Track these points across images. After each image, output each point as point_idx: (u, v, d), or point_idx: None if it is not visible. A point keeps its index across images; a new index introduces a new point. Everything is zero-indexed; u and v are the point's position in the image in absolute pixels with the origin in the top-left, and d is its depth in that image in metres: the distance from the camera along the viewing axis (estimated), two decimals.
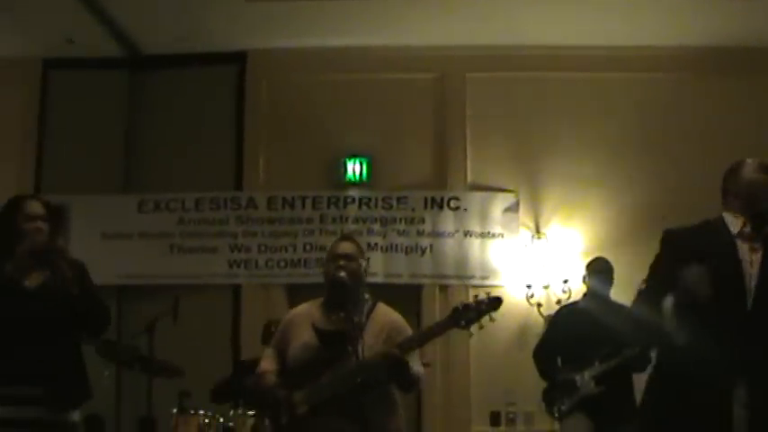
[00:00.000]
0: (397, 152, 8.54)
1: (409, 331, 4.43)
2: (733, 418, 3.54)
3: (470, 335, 4.79)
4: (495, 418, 8.02)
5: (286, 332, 4.56)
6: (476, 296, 4.38)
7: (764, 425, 3.58)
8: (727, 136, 7.97)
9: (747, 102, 8.33)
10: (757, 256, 3.70)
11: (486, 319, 4.29)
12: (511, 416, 7.99)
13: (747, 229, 3.74)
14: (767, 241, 3.71)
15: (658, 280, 3.86)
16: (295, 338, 4.45)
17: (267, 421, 4.42)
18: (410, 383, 4.37)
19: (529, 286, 7.99)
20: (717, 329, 3.56)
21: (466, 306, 4.28)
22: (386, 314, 4.54)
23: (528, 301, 7.97)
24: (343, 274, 4.34)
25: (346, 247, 4.54)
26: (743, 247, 3.72)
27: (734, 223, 3.78)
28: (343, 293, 4.31)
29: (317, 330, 4.40)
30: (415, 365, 4.34)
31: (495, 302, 4.30)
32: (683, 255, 3.73)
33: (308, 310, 4.58)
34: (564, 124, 8.42)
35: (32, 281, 4.29)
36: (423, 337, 4.42)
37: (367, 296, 4.48)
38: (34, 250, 4.23)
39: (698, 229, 3.90)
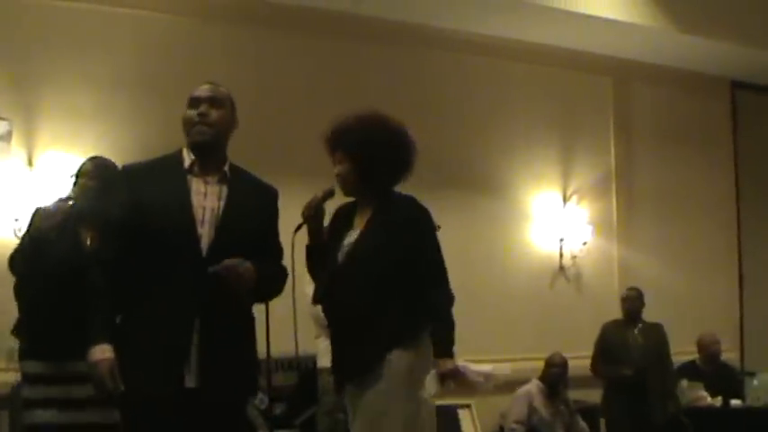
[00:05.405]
0: None
1: None
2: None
3: None
4: None
5: None
6: None
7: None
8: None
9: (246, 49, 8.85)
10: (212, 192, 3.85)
11: None
12: None
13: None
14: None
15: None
16: None
17: None
18: None
19: (17, 220, 7.71)
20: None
21: None
22: None
23: (15, 234, 7.63)
24: None
25: None
26: (194, 183, 3.84)
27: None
28: None
29: None
30: None
31: None
32: (137, 189, 3.80)
33: None
34: (65, 56, 8.12)
35: None
36: None
37: None
38: None
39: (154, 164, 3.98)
